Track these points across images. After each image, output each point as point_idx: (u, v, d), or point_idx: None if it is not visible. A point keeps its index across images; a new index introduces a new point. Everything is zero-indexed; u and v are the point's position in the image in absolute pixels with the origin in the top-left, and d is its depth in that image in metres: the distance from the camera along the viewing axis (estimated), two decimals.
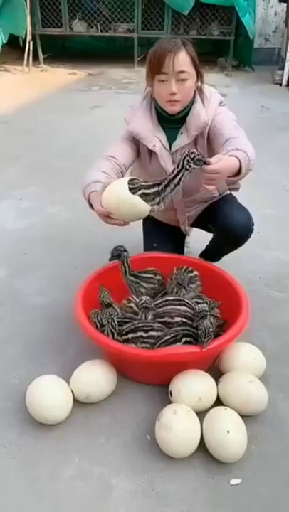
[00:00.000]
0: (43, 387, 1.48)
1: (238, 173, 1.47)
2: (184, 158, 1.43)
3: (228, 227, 1.80)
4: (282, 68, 6.49)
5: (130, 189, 1.45)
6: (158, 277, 1.85)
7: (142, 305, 1.65)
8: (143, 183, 1.49)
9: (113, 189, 1.47)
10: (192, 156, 1.42)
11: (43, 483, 1.32)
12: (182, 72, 1.57)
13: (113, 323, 1.56)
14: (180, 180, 1.47)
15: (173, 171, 1.48)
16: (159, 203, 1.50)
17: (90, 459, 1.38)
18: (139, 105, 1.79)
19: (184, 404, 1.43)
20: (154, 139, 1.76)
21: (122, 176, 1.71)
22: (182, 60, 1.56)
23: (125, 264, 1.74)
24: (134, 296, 1.77)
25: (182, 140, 1.75)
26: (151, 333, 1.57)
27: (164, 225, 2.07)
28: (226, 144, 1.58)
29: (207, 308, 1.53)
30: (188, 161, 1.43)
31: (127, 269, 1.76)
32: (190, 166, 1.44)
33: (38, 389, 1.48)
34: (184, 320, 1.61)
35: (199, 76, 1.66)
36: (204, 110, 1.69)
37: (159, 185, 1.49)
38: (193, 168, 1.43)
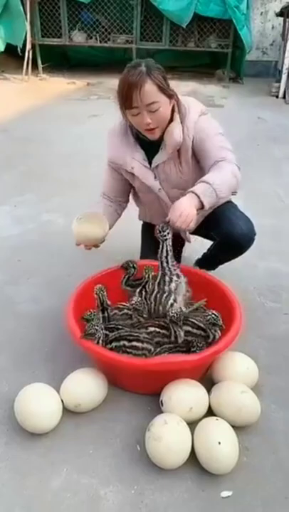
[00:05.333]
0: (32, 395, 1.46)
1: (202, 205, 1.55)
2: (157, 235, 1.65)
3: (232, 235, 1.80)
4: (278, 81, 6.58)
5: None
6: None
7: (132, 306, 1.65)
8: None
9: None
10: (158, 230, 1.64)
11: (31, 494, 1.29)
12: (152, 103, 1.57)
13: (102, 332, 1.56)
14: (167, 251, 1.67)
15: (158, 250, 1.67)
16: (171, 281, 1.70)
17: (79, 469, 1.36)
18: (113, 130, 1.82)
19: (175, 414, 1.41)
20: (132, 161, 1.77)
21: (120, 208, 1.97)
22: (149, 92, 1.54)
23: (126, 277, 1.80)
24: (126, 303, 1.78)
25: (162, 156, 1.76)
26: (135, 343, 1.55)
27: None
28: (211, 169, 1.65)
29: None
30: (160, 234, 1.65)
31: (124, 280, 1.81)
32: (163, 236, 1.64)
33: (27, 397, 1.46)
34: (157, 330, 1.61)
35: (171, 97, 1.64)
36: (179, 128, 1.68)
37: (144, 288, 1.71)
38: (167, 232, 1.64)
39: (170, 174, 1.79)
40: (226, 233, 1.83)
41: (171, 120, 1.69)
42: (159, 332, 1.61)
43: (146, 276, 1.73)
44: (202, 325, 1.60)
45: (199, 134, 1.69)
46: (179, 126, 1.68)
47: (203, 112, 1.74)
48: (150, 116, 1.59)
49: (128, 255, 2.15)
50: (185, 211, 1.50)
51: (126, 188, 1.91)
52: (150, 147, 1.76)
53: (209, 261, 2.10)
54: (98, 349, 1.52)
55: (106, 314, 1.70)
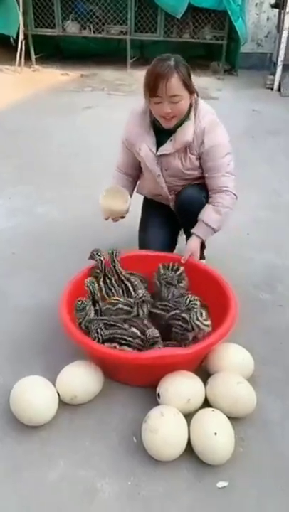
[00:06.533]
0: (28, 388, 1.46)
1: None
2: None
3: (180, 200, 1.97)
4: (273, 73, 6.53)
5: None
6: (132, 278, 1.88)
7: (140, 299, 1.66)
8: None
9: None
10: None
11: (27, 487, 1.29)
12: (175, 96, 1.70)
13: (102, 333, 1.56)
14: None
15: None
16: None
17: (75, 461, 1.36)
18: (135, 109, 1.94)
19: (172, 406, 1.41)
20: (142, 143, 1.91)
21: (132, 180, 2.12)
22: (174, 85, 1.68)
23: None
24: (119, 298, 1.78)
25: (168, 147, 1.87)
26: (125, 347, 1.54)
27: (159, 216, 2.14)
28: (212, 194, 1.89)
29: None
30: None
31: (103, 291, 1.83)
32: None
33: (23, 389, 1.45)
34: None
35: (192, 93, 1.77)
36: (193, 130, 1.81)
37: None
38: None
39: (172, 165, 1.90)
40: (177, 201, 2.00)
41: (187, 116, 1.81)
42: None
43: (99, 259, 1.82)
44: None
45: (212, 148, 1.83)
46: (193, 126, 1.81)
47: (217, 121, 1.86)
48: (170, 106, 1.72)
49: (125, 244, 2.15)
50: (195, 253, 1.92)
51: (137, 163, 2.04)
52: (163, 134, 1.87)
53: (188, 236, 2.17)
54: (91, 344, 1.51)
55: (98, 307, 1.70)
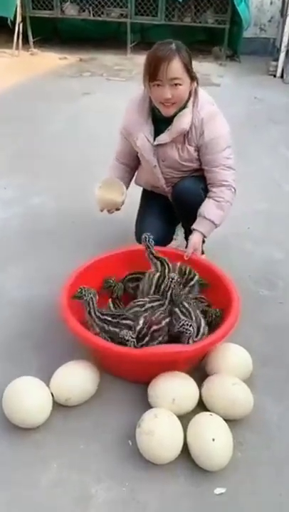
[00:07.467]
0: (21, 389, 1.41)
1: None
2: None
3: (176, 192, 1.94)
4: (276, 59, 6.39)
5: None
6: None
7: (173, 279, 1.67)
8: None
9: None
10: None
11: (20, 491, 1.26)
12: (175, 78, 1.67)
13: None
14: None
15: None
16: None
17: (69, 465, 1.32)
18: (134, 98, 1.90)
19: (160, 407, 1.38)
20: (139, 132, 1.87)
21: (130, 170, 2.09)
22: (175, 68, 1.65)
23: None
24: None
25: (165, 136, 1.82)
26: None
27: (157, 206, 2.10)
28: (212, 188, 1.85)
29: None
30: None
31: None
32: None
33: (16, 391, 1.41)
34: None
35: (193, 79, 1.74)
36: (190, 117, 1.77)
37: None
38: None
39: (170, 156, 1.87)
40: (174, 192, 1.96)
41: (185, 105, 1.77)
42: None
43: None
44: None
45: (212, 141, 1.79)
46: (190, 115, 1.77)
47: (217, 112, 1.82)
48: (171, 91, 1.68)
49: (122, 240, 2.10)
50: (198, 249, 1.87)
51: (135, 153, 2.00)
52: (161, 123, 1.83)
53: (185, 229, 2.15)
54: (90, 337, 1.47)
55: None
